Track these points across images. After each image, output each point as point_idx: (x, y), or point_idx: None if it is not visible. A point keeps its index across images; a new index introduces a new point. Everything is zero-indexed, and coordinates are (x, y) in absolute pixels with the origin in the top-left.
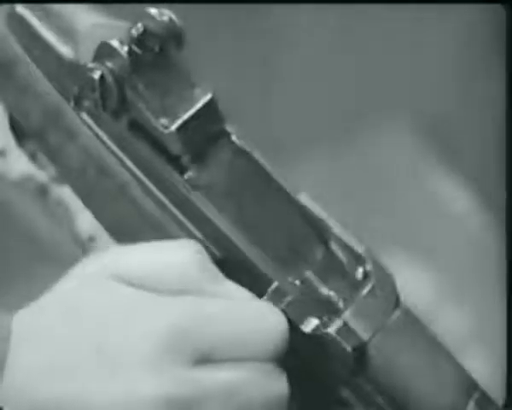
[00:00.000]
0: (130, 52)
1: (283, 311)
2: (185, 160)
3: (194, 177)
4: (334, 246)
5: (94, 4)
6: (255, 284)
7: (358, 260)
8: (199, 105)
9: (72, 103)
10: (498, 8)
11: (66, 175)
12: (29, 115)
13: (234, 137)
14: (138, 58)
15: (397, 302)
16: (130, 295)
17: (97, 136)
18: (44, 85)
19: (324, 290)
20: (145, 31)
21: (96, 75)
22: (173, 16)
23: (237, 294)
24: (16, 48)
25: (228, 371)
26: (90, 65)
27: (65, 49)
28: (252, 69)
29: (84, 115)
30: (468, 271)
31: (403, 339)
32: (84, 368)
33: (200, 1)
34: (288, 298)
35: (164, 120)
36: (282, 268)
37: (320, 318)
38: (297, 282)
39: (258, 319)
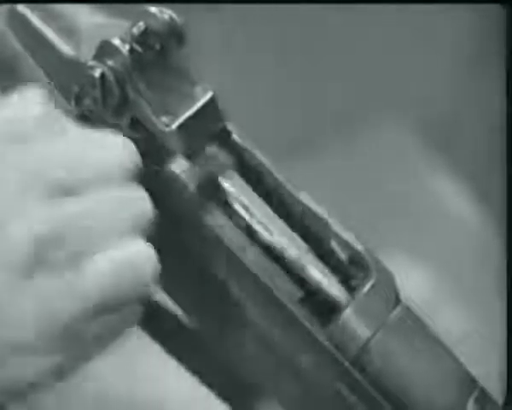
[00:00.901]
0: (132, 50)
1: None
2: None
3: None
4: (333, 244)
5: (95, 4)
6: None
7: (358, 258)
8: (200, 104)
9: (72, 102)
10: (498, 8)
11: None
12: None
13: (235, 136)
14: (139, 56)
15: (397, 300)
16: None
17: None
18: (45, 84)
19: (324, 289)
20: (146, 29)
21: (97, 73)
22: (174, 15)
23: (83, 129)
24: (17, 46)
25: (86, 198)
26: (91, 63)
27: (66, 48)
28: (252, 69)
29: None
30: (467, 270)
31: (403, 337)
32: None
33: (202, 1)
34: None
35: (165, 119)
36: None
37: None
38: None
39: (106, 146)
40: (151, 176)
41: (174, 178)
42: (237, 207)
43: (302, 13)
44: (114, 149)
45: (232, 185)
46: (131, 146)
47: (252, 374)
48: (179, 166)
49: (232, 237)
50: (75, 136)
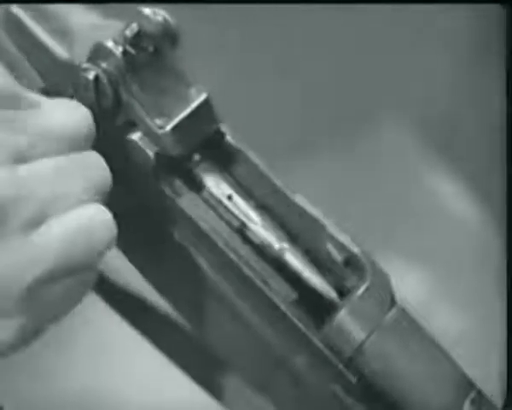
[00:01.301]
0: (125, 52)
1: None
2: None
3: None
4: (329, 246)
5: (89, 4)
6: None
7: (354, 260)
8: (194, 105)
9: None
10: (498, 8)
11: None
12: None
13: (229, 138)
14: (133, 58)
15: (392, 302)
16: None
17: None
18: (39, 86)
19: (320, 290)
20: (139, 31)
21: (91, 76)
22: (168, 16)
23: (40, 98)
24: (11, 48)
25: (43, 163)
26: (85, 65)
27: (60, 50)
28: (251, 69)
29: None
30: (467, 270)
31: (399, 338)
32: None
33: (200, 1)
34: None
35: (159, 121)
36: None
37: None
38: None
39: (62, 113)
40: (110, 143)
41: (133, 145)
42: (209, 186)
43: (301, 13)
44: (70, 116)
45: (211, 174)
46: (86, 112)
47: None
48: (138, 135)
49: (209, 222)
50: (31, 104)
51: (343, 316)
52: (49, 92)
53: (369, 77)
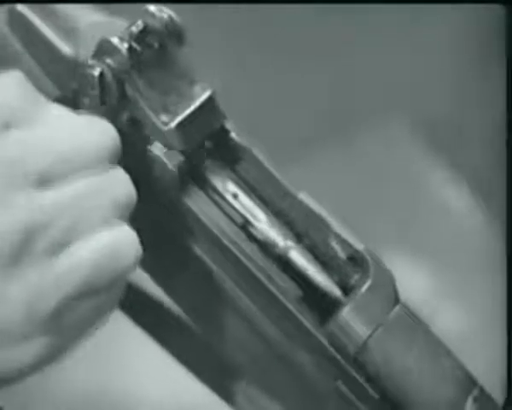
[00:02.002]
0: (130, 49)
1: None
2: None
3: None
4: (333, 243)
5: (94, 3)
6: None
7: (358, 257)
8: (198, 102)
9: (72, 100)
10: (498, 8)
11: None
12: None
13: (233, 135)
14: (138, 55)
15: (396, 299)
16: None
17: None
18: (45, 83)
19: (324, 288)
20: (145, 28)
21: (96, 72)
22: (173, 14)
23: (63, 113)
24: (17, 46)
25: (69, 185)
26: (90, 62)
27: (65, 47)
28: (251, 68)
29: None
30: (467, 270)
31: (402, 335)
32: None
33: (202, 1)
34: None
35: (163, 117)
36: None
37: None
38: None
39: (86, 131)
40: (133, 158)
41: (155, 158)
42: (222, 191)
43: (302, 12)
44: (94, 133)
45: (217, 171)
46: (111, 129)
47: (244, 364)
48: (159, 148)
49: (214, 219)
50: (55, 121)
51: (347, 313)
52: (63, 101)
53: (369, 77)
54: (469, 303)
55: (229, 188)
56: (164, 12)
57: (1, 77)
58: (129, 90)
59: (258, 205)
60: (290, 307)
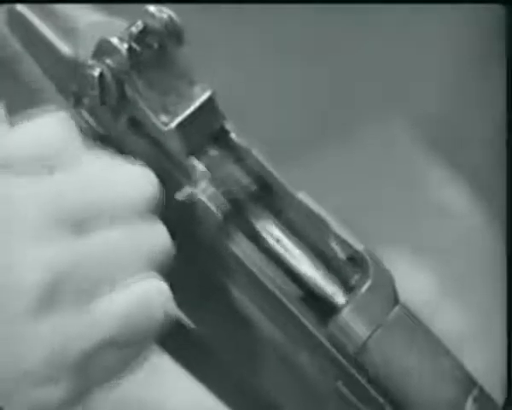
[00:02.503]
0: (130, 49)
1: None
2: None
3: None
4: (332, 244)
5: (94, 4)
6: None
7: (357, 257)
8: (198, 103)
9: (71, 101)
10: (498, 8)
11: None
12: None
13: (233, 135)
14: (138, 55)
15: (395, 300)
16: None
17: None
18: (44, 83)
19: (323, 288)
20: (145, 28)
21: (96, 72)
22: (173, 14)
23: (107, 158)
24: (16, 46)
25: (104, 234)
26: (90, 62)
27: (64, 47)
28: (251, 68)
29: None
30: (467, 270)
31: (402, 336)
32: None
33: (203, 1)
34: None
35: (163, 118)
36: None
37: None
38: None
39: (126, 179)
40: (172, 202)
41: (198, 203)
42: (263, 233)
43: (302, 12)
44: (134, 182)
45: (258, 212)
46: (153, 178)
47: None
48: (203, 190)
49: (255, 261)
50: (94, 166)
51: (347, 314)
52: (107, 140)
53: (369, 77)
54: (469, 303)
55: (272, 232)
56: (163, 12)
57: (47, 117)
58: (128, 91)
59: (302, 248)
60: (292, 308)
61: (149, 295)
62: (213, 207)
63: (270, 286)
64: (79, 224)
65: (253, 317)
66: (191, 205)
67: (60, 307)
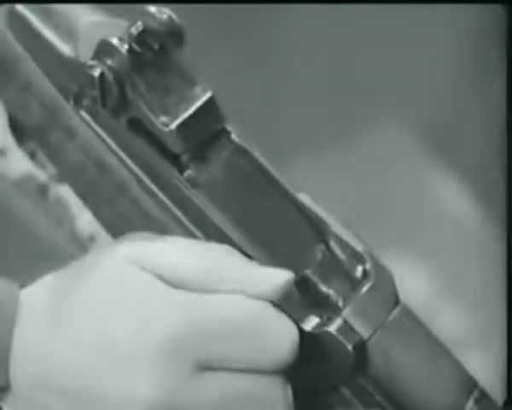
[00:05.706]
0: (130, 50)
1: (283, 310)
2: (185, 158)
3: (194, 175)
4: (333, 245)
5: (94, 4)
6: None
7: (358, 258)
8: (199, 103)
9: (71, 101)
10: (498, 8)
11: (65, 174)
12: (29, 114)
13: (233, 136)
14: (138, 56)
15: (396, 300)
16: (148, 285)
17: (97, 134)
18: (45, 84)
19: (324, 289)
20: (145, 29)
21: (96, 73)
22: (173, 15)
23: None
24: (17, 46)
25: (224, 382)
26: (90, 63)
27: (65, 48)
28: (251, 69)
29: (84, 113)
30: (467, 270)
31: (402, 337)
32: (94, 362)
33: (202, 1)
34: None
35: (164, 119)
36: (282, 267)
37: (320, 316)
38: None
39: (264, 332)
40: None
41: (330, 337)
42: None
43: (302, 12)
44: (283, 339)
45: None
46: (295, 338)
47: None
48: (336, 325)
49: None
50: (239, 306)
51: (347, 314)
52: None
53: (369, 78)
54: (469, 304)
55: None
56: (164, 13)
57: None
58: (129, 92)
59: None
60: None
61: None
62: (347, 343)
63: None
64: (208, 364)
65: None
66: (318, 338)
67: None
